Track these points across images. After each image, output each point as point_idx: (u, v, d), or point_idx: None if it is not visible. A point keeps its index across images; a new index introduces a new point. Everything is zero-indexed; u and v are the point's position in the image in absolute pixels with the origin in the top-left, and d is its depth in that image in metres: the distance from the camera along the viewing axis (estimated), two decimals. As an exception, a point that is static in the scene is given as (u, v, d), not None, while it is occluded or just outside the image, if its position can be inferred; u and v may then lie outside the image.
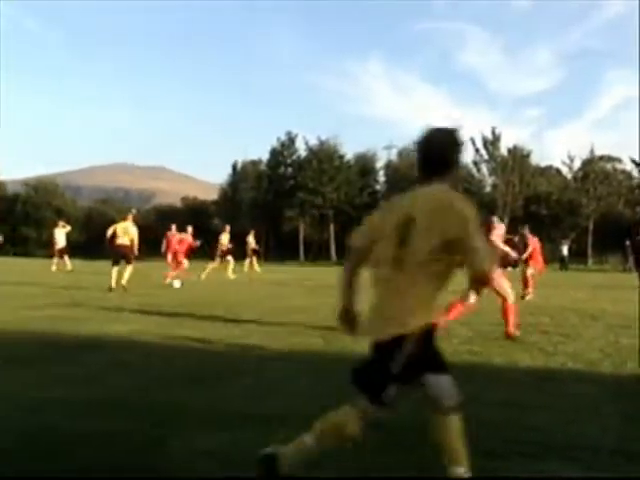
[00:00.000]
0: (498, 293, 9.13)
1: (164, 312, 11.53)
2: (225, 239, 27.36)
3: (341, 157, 65.26)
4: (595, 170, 57.64)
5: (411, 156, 66.32)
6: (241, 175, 70.68)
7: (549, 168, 63.83)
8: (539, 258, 17.70)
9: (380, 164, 68.71)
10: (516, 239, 17.32)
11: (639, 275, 21.10)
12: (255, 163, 71.12)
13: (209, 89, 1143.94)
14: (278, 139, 67.22)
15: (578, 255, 52.45)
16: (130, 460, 3.82)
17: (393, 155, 67.17)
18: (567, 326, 10.34)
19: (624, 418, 4.83)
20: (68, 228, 31.16)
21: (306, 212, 63.26)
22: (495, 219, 10.38)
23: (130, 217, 18.42)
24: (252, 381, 6.03)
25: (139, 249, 18.39)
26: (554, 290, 18.70)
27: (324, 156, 63.13)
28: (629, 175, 60.07)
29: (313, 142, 65.12)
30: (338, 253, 61.56)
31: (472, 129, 65.75)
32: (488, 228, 9.74)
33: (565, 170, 61.38)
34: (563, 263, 44.82)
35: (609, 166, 59.82)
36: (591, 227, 55.94)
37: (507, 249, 10.63)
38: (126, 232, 17.85)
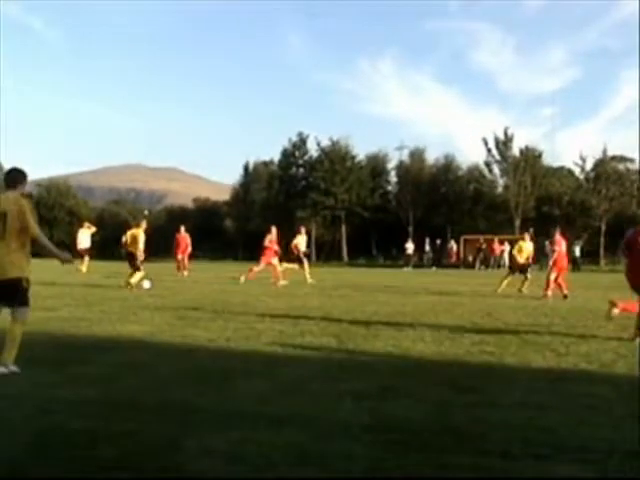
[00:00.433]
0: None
1: (176, 313, 11.57)
2: (303, 242, 24.28)
3: (353, 158, 65.10)
4: (607, 170, 57.27)
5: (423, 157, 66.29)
6: (253, 176, 70.67)
7: (561, 169, 63.51)
8: (562, 262, 17.68)
9: (392, 165, 68.59)
10: (547, 242, 17.60)
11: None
12: (267, 164, 71.11)
13: (221, 90, 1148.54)
14: (289, 140, 67.28)
15: (590, 256, 52.15)
16: (142, 459, 3.83)
17: (405, 156, 66.95)
18: (580, 327, 10.29)
19: (638, 419, 4.80)
20: (93, 229, 30.64)
21: (318, 213, 63.21)
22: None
23: (143, 224, 18.70)
24: (263, 381, 6.03)
25: (145, 256, 18.57)
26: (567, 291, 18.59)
27: (336, 157, 62.99)
28: (642, 175, 59.67)
29: (325, 142, 65.13)
30: (350, 254, 61.59)
31: (484, 129, 65.53)
32: None
33: (577, 171, 61.09)
34: (575, 264, 44.61)
35: (621, 166, 59.42)
36: (603, 228, 55.58)
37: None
38: (134, 240, 18.13)
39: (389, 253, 57.36)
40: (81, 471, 3.67)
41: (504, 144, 59.47)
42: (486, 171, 61.27)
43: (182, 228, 28.68)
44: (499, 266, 42.96)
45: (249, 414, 4.82)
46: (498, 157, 59.96)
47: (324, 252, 62.65)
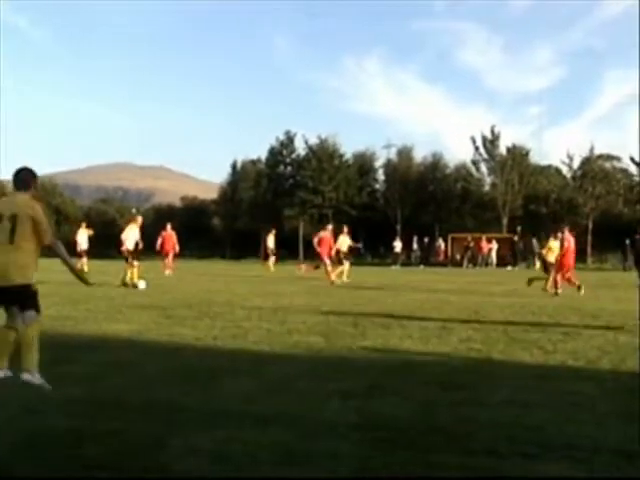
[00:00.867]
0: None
1: (163, 311, 11.53)
2: (345, 242, 24.05)
3: (340, 156, 65.09)
4: (594, 169, 57.58)
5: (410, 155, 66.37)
6: (241, 174, 70.51)
7: (548, 167, 63.75)
8: (570, 259, 17.86)
9: (379, 163, 68.63)
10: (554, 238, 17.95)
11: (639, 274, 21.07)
12: (255, 162, 70.98)
13: (208, 88, 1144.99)
14: (277, 138, 67.18)
15: (577, 254, 52.41)
16: (127, 458, 3.81)
17: (392, 154, 66.99)
18: (567, 324, 10.34)
19: (623, 416, 4.82)
20: (90, 232, 30.00)
21: (305, 211, 63.15)
22: None
23: (138, 220, 19.95)
24: (249, 380, 6.01)
25: (134, 250, 19.08)
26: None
27: (323, 155, 62.98)
28: (628, 174, 60.01)
29: (312, 141, 65.08)
30: (337, 252, 61.44)
31: (472, 128, 65.67)
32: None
33: (565, 169, 61.37)
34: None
35: (608, 165, 59.75)
36: (590, 226, 55.89)
37: None
38: (126, 236, 19.04)
39: (377, 251, 57.36)
40: (67, 470, 3.64)
41: (491, 142, 59.64)
42: (473, 169, 61.39)
43: (168, 226, 28.49)
44: (487, 264, 43.12)
45: (235, 413, 4.80)
46: (485, 155, 60.11)
47: (312, 250, 62.56)
